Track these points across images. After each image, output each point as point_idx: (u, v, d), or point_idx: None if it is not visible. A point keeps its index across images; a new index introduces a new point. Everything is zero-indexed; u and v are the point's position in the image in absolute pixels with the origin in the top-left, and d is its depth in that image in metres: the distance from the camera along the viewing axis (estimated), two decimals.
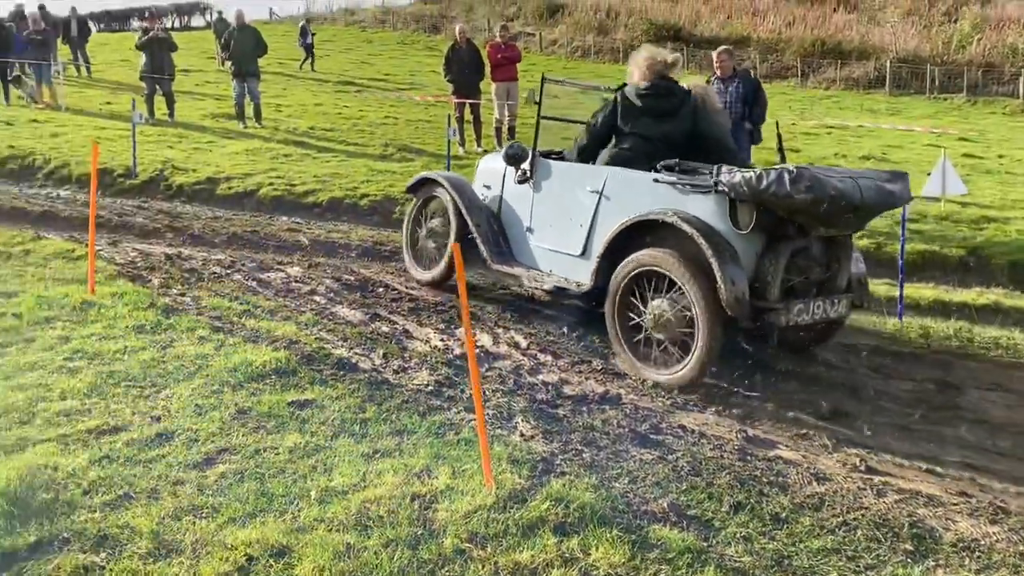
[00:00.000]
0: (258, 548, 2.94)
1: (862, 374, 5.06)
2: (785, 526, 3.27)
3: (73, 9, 21.45)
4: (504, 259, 5.81)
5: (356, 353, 4.95)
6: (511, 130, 12.74)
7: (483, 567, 2.90)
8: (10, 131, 12.89)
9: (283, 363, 4.58)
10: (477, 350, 5.16)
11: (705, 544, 3.11)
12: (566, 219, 5.43)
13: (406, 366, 4.82)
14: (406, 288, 6.41)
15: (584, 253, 5.28)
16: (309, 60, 25.43)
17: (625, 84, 5.38)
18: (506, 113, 12.63)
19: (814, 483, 3.62)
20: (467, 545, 3.02)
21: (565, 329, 5.58)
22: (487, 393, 4.47)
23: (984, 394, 4.79)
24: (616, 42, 32.38)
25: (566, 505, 3.24)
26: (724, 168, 4.53)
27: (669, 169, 4.91)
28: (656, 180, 4.87)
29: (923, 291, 6.85)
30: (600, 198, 5.19)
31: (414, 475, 3.50)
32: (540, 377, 4.79)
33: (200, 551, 2.94)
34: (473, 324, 5.64)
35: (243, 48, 13.69)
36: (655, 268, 4.69)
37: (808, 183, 4.22)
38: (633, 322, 4.85)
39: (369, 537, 3.05)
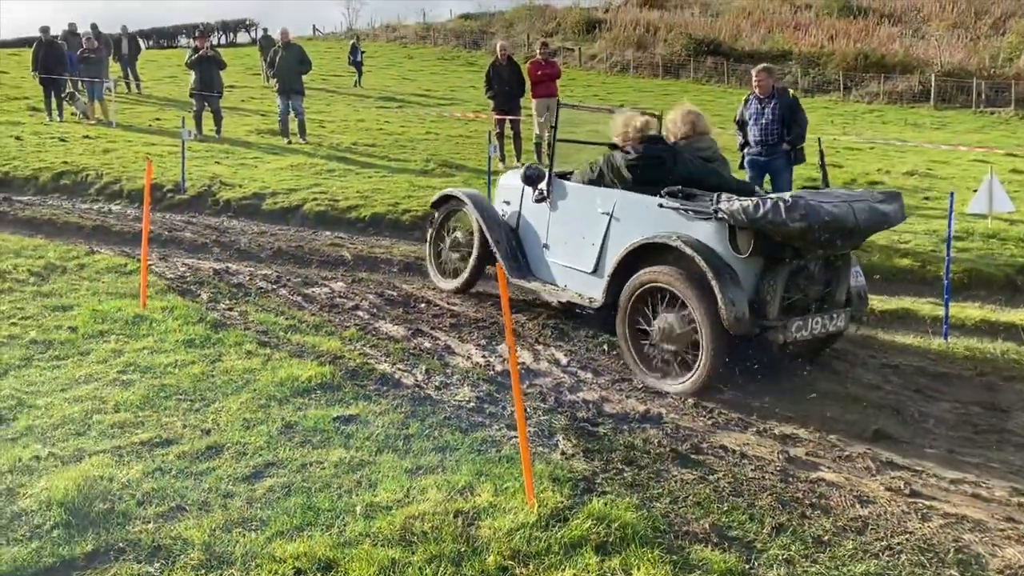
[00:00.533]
0: (306, 561, 3.01)
1: (906, 396, 5.01)
2: (828, 549, 3.26)
3: (124, 27, 22.06)
4: (521, 273, 6.10)
5: (399, 369, 5.03)
6: (551, 145, 12.82)
7: None
8: (64, 147, 13.27)
9: (328, 378, 4.67)
10: (518, 367, 5.20)
11: (747, 566, 3.11)
12: (579, 237, 5.70)
13: (448, 382, 4.88)
14: (448, 304, 6.48)
15: (596, 271, 5.55)
16: (358, 76, 25.85)
17: (615, 146, 5.70)
18: (546, 129, 12.70)
19: (857, 506, 3.61)
20: (510, 563, 3.05)
21: (606, 347, 5.60)
22: (528, 410, 4.51)
23: None
24: (655, 57, 32.37)
25: (607, 524, 3.26)
26: (724, 196, 4.80)
27: (672, 195, 5.13)
28: (661, 205, 5.12)
29: (969, 311, 6.74)
30: (611, 219, 5.47)
31: (457, 492, 3.55)
32: (581, 395, 4.82)
33: (250, 563, 3.02)
34: (515, 341, 5.69)
35: (288, 65, 13.96)
36: (663, 285, 4.94)
37: (802, 211, 4.46)
38: (643, 337, 5.09)
39: (414, 553, 3.10)
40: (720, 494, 3.65)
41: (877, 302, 7.05)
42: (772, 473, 3.89)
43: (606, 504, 3.42)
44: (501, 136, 12.81)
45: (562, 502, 3.45)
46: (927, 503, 3.67)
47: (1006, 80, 24.94)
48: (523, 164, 9.97)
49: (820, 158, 9.76)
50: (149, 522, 3.26)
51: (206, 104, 14.66)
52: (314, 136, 14.80)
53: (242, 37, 46.05)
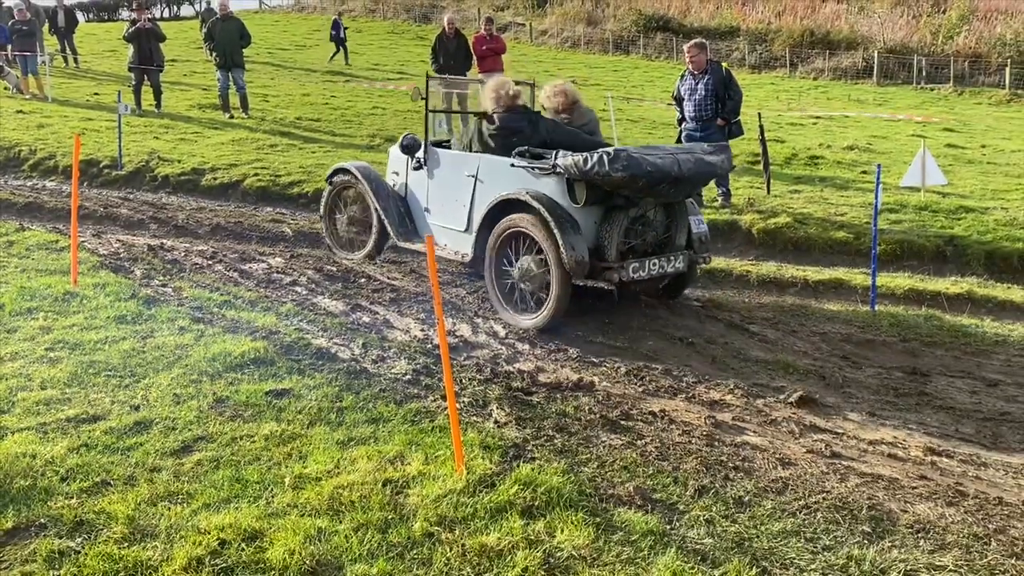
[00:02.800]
0: (231, 532, 3.01)
1: (833, 362, 5.15)
2: (748, 509, 3.36)
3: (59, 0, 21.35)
4: (408, 237, 6.56)
5: (336, 343, 5.01)
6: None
7: (451, 549, 2.98)
8: None
9: (261, 353, 4.65)
10: (456, 340, 5.24)
11: (668, 527, 3.19)
12: (453, 200, 6.20)
13: (385, 356, 4.89)
14: (388, 279, 6.47)
15: (467, 228, 6.05)
16: (342, 53, 25.03)
17: (486, 113, 6.16)
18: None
19: (779, 468, 3.71)
20: (436, 528, 3.09)
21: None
22: (464, 381, 4.54)
23: (951, 381, 4.88)
24: (606, 33, 32.37)
25: (534, 489, 3.32)
26: (560, 153, 5.41)
27: (521, 155, 5.72)
28: (512, 165, 5.70)
29: (898, 280, 6.93)
30: (476, 181, 5.99)
31: (387, 461, 3.58)
32: (517, 365, 4.87)
33: (174, 536, 3.01)
34: (453, 314, 5.71)
35: (228, 39, 13.67)
36: (522, 229, 5.52)
37: (624, 163, 5.06)
38: (507, 277, 5.68)
39: (340, 522, 3.12)
40: (647, 458, 3.72)
41: (812, 273, 7.22)
42: (698, 438, 3.98)
43: (534, 470, 3.48)
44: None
45: (491, 469, 3.49)
46: (846, 464, 3.79)
47: (945, 57, 25.45)
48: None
49: (760, 133, 9.95)
50: (72, 497, 3.23)
51: (145, 78, 14.32)
52: (257, 111, 14.56)
53: (186, 10, 44.89)
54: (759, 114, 10.26)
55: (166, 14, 43.74)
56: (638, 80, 24.07)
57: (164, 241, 7.22)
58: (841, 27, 28.99)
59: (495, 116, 5.99)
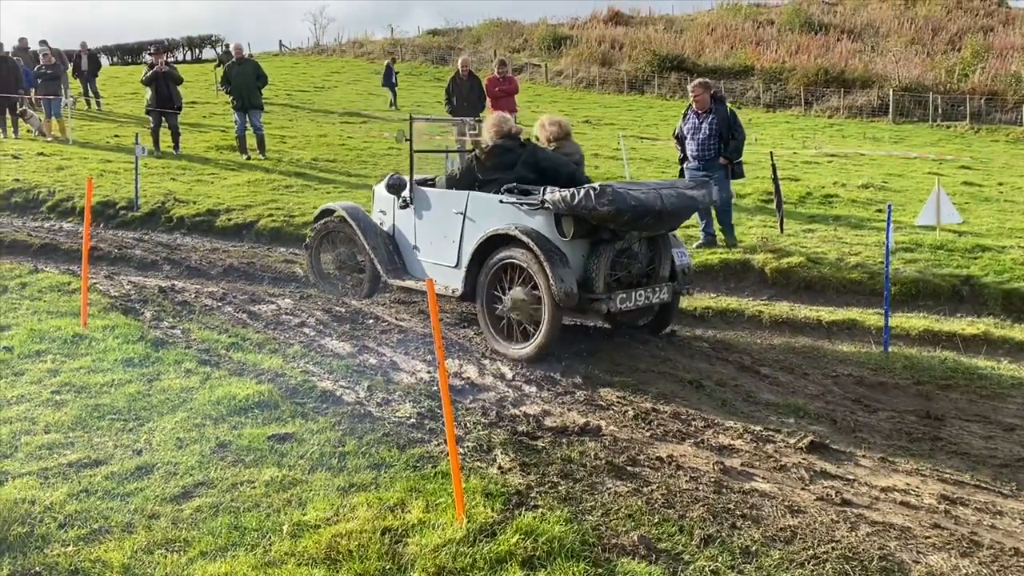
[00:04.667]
0: None
1: (845, 405, 5.06)
2: (755, 559, 3.27)
3: (83, 44, 21.84)
4: (397, 274, 6.66)
5: (341, 386, 4.99)
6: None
7: None
8: (16, 164, 13.09)
9: (266, 396, 4.63)
10: (462, 382, 5.20)
11: None
12: (441, 236, 6.36)
13: (390, 399, 4.85)
14: (395, 320, 6.46)
15: (457, 264, 6.20)
16: (392, 97, 25.32)
17: (477, 143, 6.39)
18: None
19: (788, 516, 3.63)
20: None
21: (551, 361, 5.60)
22: (468, 425, 4.50)
23: (966, 425, 4.78)
24: (620, 73, 32.64)
25: (535, 538, 3.25)
26: (549, 189, 5.59)
27: (510, 191, 5.86)
28: (501, 201, 5.84)
29: (913, 321, 6.84)
30: (464, 218, 6.15)
31: (388, 509, 3.53)
32: (523, 408, 4.82)
33: None
34: (460, 355, 5.68)
35: (243, 81, 13.90)
36: (517, 262, 5.67)
37: (610, 198, 5.24)
38: (497, 311, 5.83)
39: (337, 571, 3.07)
40: (652, 506, 3.65)
41: (825, 313, 7.14)
42: (706, 484, 3.90)
43: (536, 518, 3.41)
44: None
45: (492, 517, 3.43)
46: (856, 512, 3.70)
47: (961, 94, 25.44)
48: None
49: (773, 171, 9.93)
50: (68, 545, 3.20)
51: (163, 120, 14.54)
52: (274, 152, 14.73)
53: (208, 53, 45.76)
54: (771, 153, 10.25)
55: (188, 57, 44.59)
56: (652, 119, 24.20)
57: (176, 282, 7.27)
58: (856, 66, 29.08)
59: (491, 146, 6.18)
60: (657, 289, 5.85)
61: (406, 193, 6.60)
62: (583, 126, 22.24)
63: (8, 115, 16.40)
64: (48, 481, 3.68)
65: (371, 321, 6.40)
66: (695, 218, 9.14)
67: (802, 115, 27.51)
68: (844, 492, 3.88)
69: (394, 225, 6.82)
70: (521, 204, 5.73)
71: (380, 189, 7.09)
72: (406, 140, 6.76)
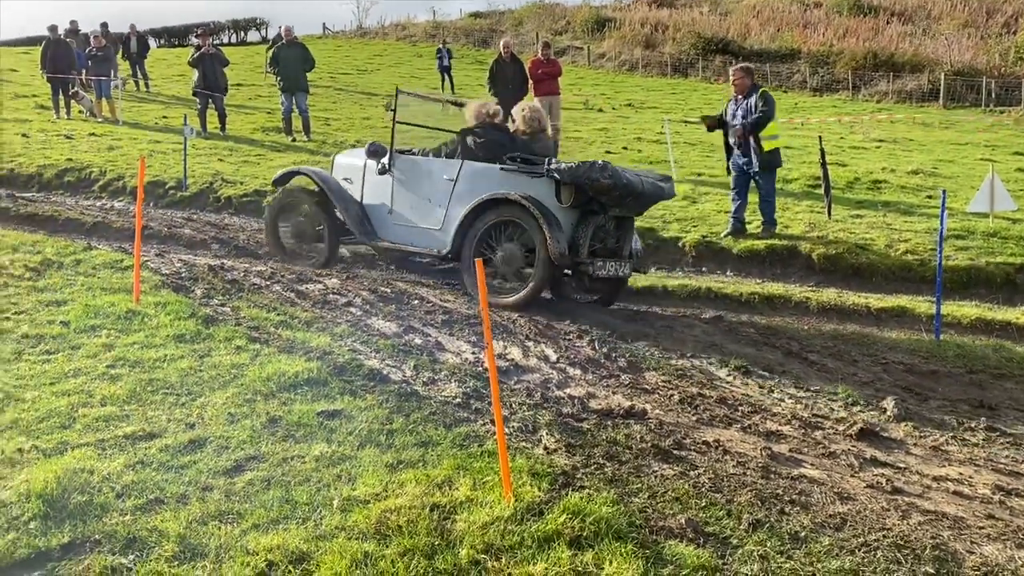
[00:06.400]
0: (279, 554, 3.02)
1: (896, 393, 4.98)
2: (804, 545, 3.25)
3: (132, 26, 22.15)
4: (368, 236, 7.12)
5: (388, 364, 5.03)
6: (555, 144, 12.79)
7: None
8: (69, 144, 13.35)
9: (315, 373, 4.68)
10: (507, 363, 5.21)
11: (720, 562, 3.10)
12: (426, 201, 6.84)
13: (436, 378, 4.88)
14: (440, 301, 6.49)
15: (442, 227, 6.71)
16: (447, 82, 25.06)
17: (464, 128, 6.86)
18: (549, 127, 12.69)
19: (837, 502, 3.59)
20: (482, 556, 3.06)
21: (595, 344, 5.59)
22: (514, 406, 4.51)
23: (1020, 415, 4.68)
24: (664, 56, 32.29)
25: (582, 519, 3.26)
26: (552, 159, 6.34)
27: (512, 160, 6.45)
28: (503, 169, 6.46)
29: (965, 309, 6.71)
30: (454, 185, 6.67)
31: (436, 486, 3.56)
32: (567, 391, 4.82)
33: (223, 556, 3.03)
34: (504, 337, 5.70)
35: (291, 63, 14.00)
36: (512, 218, 6.33)
37: (610, 172, 6.08)
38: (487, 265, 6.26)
39: (387, 546, 3.11)
40: (699, 490, 3.64)
41: (874, 300, 7.03)
42: (753, 469, 3.87)
43: (583, 499, 3.42)
44: None
45: (539, 496, 3.44)
46: (908, 500, 3.65)
47: (1016, 78, 24.75)
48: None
49: (821, 156, 9.77)
50: (126, 514, 3.28)
51: (210, 102, 14.72)
52: (319, 134, 14.84)
53: (252, 36, 46.19)
54: (820, 137, 10.09)
55: (233, 40, 45.02)
56: (696, 103, 23.93)
57: (225, 261, 7.37)
58: (906, 49, 28.43)
59: (482, 131, 6.73)
60: (624, 263, 6.63)
61: (385, 160, 7.00)
62: (625, 109, 22.06)
63: (61, 96, 16.72)
64: (105, 452, 3.77)
65: (416, 302, 6.44)
66: (728, 205, 9.04)
67: (849, 99, 27.01)
68: (895, 480, 3.83)
69: (364, 190, 7.23)
70: (523, 172, 6.34)
71: (342, 159, 7.56)
72: (391, 111, 7.16)
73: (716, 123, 8.85)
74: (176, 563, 2.99)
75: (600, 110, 21.35)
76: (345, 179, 7.37)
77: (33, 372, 4.64)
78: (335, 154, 7.91)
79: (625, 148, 14.46)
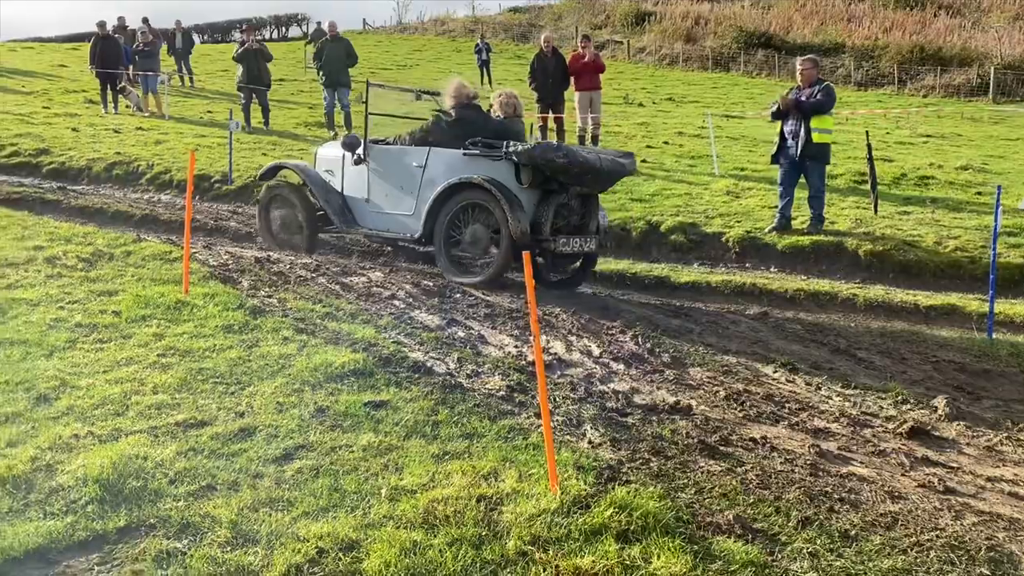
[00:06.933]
0: (329, 541, 3.06)
1: (947, 392, 4.89)
2: (854, 543, 3.20)
3: (178, 22, 22.52)
4: (348, 225, 7.47)
5: (431, 357, 5.06)
6: (595, 139, 12.75)
7: (544, 570, 2.94)
8: (117, 138, 13.61)
9: (361, 365, 4.72)
10: (550, 357, 5.21)
11: (769, 558, 3.07)
12: (398, 188, 7.19)
13: (479, 371, 4.90)
14: (482, 294, 6.51)
15: (414, 212, 7.02)
16: (486, 77, 25.03)
17: (440, 110, 7.15)
18: (589, 122, 12.65)
19: (888, 501, 3.54)
20: (529, 548, 3.06)
21: (639, 339, 5.57)
22: (557, 400, 4.51)
23: None
24: (705, 50, 31.99)
25: (629, 513, 3.25)
26: (511, 143, 6.57)
27: (474, 144, 6.68)
28: (465, 154, 6.73)
29: (1018, 307, 6.57)
30: (423, 171, 6.97)
31: (481, 477, 3.57)
32: (611, 386, 4.81)
33: (274, 542, 3.07)
34: (547, 331, 5.70)
35: (334, 59, 14.12)
36: (479, 201, 6.63)
37: (565, 151, 6.46)
38: (455, 248, 6.80)
39: (435, 536, 3.13)
40: (747, 486, 3.61)
41: (923, 298, 6.91)
42: (801, 467, 3.83)
43: (629, 493, 3.41)
44: (544, 129, 12.79)
45: (585, 490, 3.44)
46: (961, 500, 3.58)
47: None
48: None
49: (868, 151, 9.62)
50: (179, 500, 3.34)
51: (254, 97, 14.89)
52: (360, 129, 14.93)
53: (294, 31, 46.65)
54: (867, 132, 9.94)
55: (275, 35, 45.50)
56: (738, 97, 23.68)
57: (270, 254, 7.46)
58: (954, 43, 27.85)
59: (456, 111, 6.99)
60: (588, 239, 6.90)
61: (360, 151, 7.29)
62: (666, 104, 21.91)
63: (109, 91, 17.04)
64: (158, 439, 3.84)
65: (459, 295, 6.46)
66: (776, 199, 8.93)
67: (895, 94, 26.54)
68: (947, 480, 3.77)
69: (344, 181, 7.53)
70: (484, 155, 6.63)
71: (323, 151, 7.88)
72: (363, 103, 7.49)
73: (782, 111, 8.63)
74: (229, 548, 3.03)
75: (640, 104, 21.24)
76: (327, 171, 7.70)
77: (87, 360, 4.74)
78: (317, 147, 8.21)
79: (666, 143, 14.37)
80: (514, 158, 6.47)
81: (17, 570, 2.92)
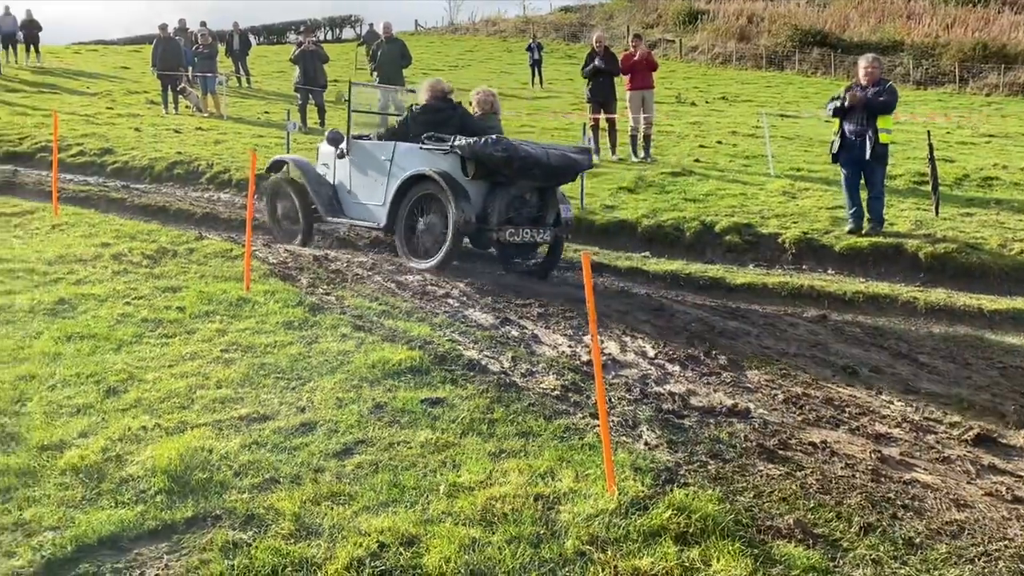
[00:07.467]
0: (390, 536, 3.10)
1: (1014, 399, 4.77)
2: (919, 552, 3.15)
3: (235, 24, 22.96)
4: (335, 213, 7.91)
5: (486, 355, 5.09)
6: (647, 139, 12.68)
7: (603, 570, 2.95)
8: (178, 138, 13.93)
9: (417, 362, 4.77)
10: (604, 358, 5.20)
11: (831, 564, 3.04)
12: (372, 180, 7.62)
13: (534, 370, 4.92)
14: (535, 295, 6.53)
15: (384, 202, 7.42)
16: (537, 77, 24.95)
17: (415, 105, 7.61)
18: (641, 121, 12.58)
19: (953, 509, 3.47)
20: (588, 548, 3.07)
21: (695, 341, 5.53)
22: (613, 400, 4.50)
23: None
24: (759, 48, 31.57)
25: (688, 515, 3.23)
26: (458, 136, 6.90)
27: (429, 138, 7.12)
28: (421, 147, 7.16)
29: None
30: (391, 164, 7.41)
31: (538, 476, 3.59)
32: (667, 387, 4.78)
33: (336, 536, 3.13)
34: (601, 332, 5.69)
35: (389, 59, 14.27)
36: (433, 192, 7.05)
37: (504, 146, 6.67)
38: (415, 235, 7.23)
39: (494, 533, 3.15)
40: (807, 491, 3.56)
41: (987, 302, 6.75)
42: (863, 472, 3.77)
43: (688, 495, 3.39)
44: (596, 128, 12.76)
45: (643, 491, 3.43)
46: None
47: None
48: (618, 160, 11.10)
49: (929, 151, 9.41)
50: (244, 492, 3.42)
51: (310, 97, 15.12)
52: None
53: (347, 33, 47.21)
54: (928, 132, 9.71)
55: (329, 37, 46.10)
56: (792, 96, 23.33)
57: (327, 252, 7.59)
58: (1019, 39, 27.05)
59: (431, 106, 7.38)
60: (541, 230, 7.21)
61: (343, 145, 7.81)
62: (719, 103, 21.68)
63: (170, 92, 17.45)
64: (222, 432, 3.94)
65: (511, 294, 6.49)
66: (843, 202, 8.79)
67: (956, 93, 25.88)
68: (1016, 489, 3.68)
69: (334, 174, 8.00)
70: (435, 150, 7.04)
71: (322, 146, 8.24)
72: (345, 101, 8.02)
73: (845, 108, 8.42)
74: (292, 541, 3.10)
75: (692, 104, 21.05)
76: (324, 164, 8.17)
77: (153, 354, 4.88)
78: (320, 143, 8.63)
79: (719, 142, 14.23)
80: (458, 151, 6.83)
81: (91, 556, 3.02)
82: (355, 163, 7.82)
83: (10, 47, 24.90)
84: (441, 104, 7.43)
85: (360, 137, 7.96)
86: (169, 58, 17.37)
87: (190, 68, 18.73)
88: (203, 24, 20.82)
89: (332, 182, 8.04)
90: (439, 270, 6.86)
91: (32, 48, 25.11)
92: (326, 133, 8.09)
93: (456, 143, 6.84)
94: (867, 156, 8.13)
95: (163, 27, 18.35)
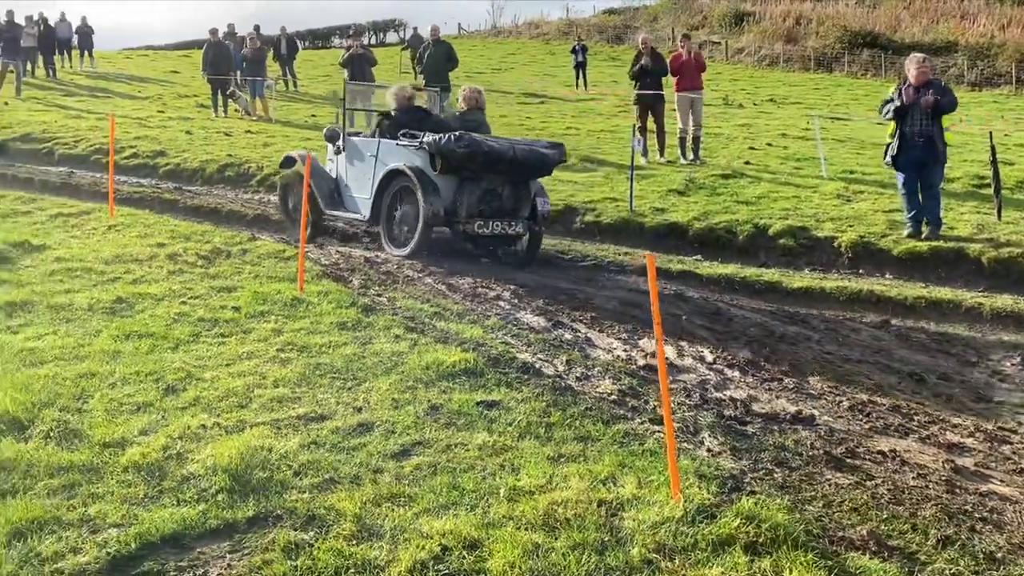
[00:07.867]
0: (452, 539, 3.05)
1: None
2: (1002, 567, 3.02)
3: (283, 28, 23.25)
4: (334, 206, 8.32)
5: (539, 358, 5.03)
6: (696, 140, 12.53)
7: None
8: (228, 141, 14.10)
9: (471, 364, 4.73)
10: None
11: None
12: (362, 175, 8.03)
13: (589, 374, 4.85)
14: (587, 297, 6.45)
15: (370, 196, 7.83)
16: (582, 79, 24.76)
17: (389, 113, 8.09)
18: (690, 123, 12.43)
19: None
20: (655, 556, 2.99)
21: (754, 346, 5.42)
22: (672, 406, 4.41)
23: None
24: (807, 50, 31.12)
25: (758, 524, 3.14)
26: (428, 133, 7.41)
27: (405, 136, 7.63)
28: (398, 144, 7.68)
29: None
30: (376, 160, 7.85)
31: (599, 481, 3.52)
32: (728, 393, 4.68)
33: (398, 537, 3.09)
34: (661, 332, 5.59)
35: (435, 61, 14.30)
36: (408, 186, 7.47)
37: (466, 142, 7.06)
38: (393, 225, 7.70)
39: (557, 538, 3.09)
40: (878, 501, 3.44)
41: None
42: (936, 483, 3.64)
43: (756, 504, 3.29)
44: (644, 130, 12.63)
45: (709, 499, 3.35)
46: None
47: None
48: (666, 162, 11.11)
49: (991, 153, 9.14)
50: (304, 492, 3.39)
51: None
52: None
53: (391, 37, 47.55)
54: (991, 133, 9.45)
55: (373, 41, 46.48)
56: (842, 98, 22.94)
57: (378, 254, 7.60)
58: None
59: (393, 112, 7.99)
60: (513, 223, 7.48)
61: (339, 142, 8.24)
62: (767, 104, 21.38)
63: (220, 95, 17.69)
64: (281, 432, 3.93)
65: (563, 297, 6.43)
66: (899, 205, 8.58)
67: (1013, 94, 25.23)
68: None
69: (336, 169, 8.42)
70: (408, 145, 7.52)
71: (329, 144, 8.65)
72: (340, 99, 8.47)
73: (905, 108, 8.20)
74: (354, 542, 3.06)
75: (740, 106, 20.79)
76: (329, 160, 8.61)
77: (210, 353, 4.90)
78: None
79: (769, 144, 14.01)
80: (425, 147, 7.27)
81: (155, 554, 3.02)
82: (349, 159, 8.25)
83: (65, 52, 25.48)
84: (406, 118, 7.90)
85: (355, 134, 8.40)
86: (219, 62, 17.62)
87: (239, 72, 18.97)
88: (256, 28, 21.10)
89: (334, 177, 8.43)
90: (411, 258, 7.25)
91: (86, 53, 25.69)
92: (324, 130, 8.51)
93: (424, 140, 7.30)
94: (937, 155, 7.96)
95: (213, 31, 18.62)
